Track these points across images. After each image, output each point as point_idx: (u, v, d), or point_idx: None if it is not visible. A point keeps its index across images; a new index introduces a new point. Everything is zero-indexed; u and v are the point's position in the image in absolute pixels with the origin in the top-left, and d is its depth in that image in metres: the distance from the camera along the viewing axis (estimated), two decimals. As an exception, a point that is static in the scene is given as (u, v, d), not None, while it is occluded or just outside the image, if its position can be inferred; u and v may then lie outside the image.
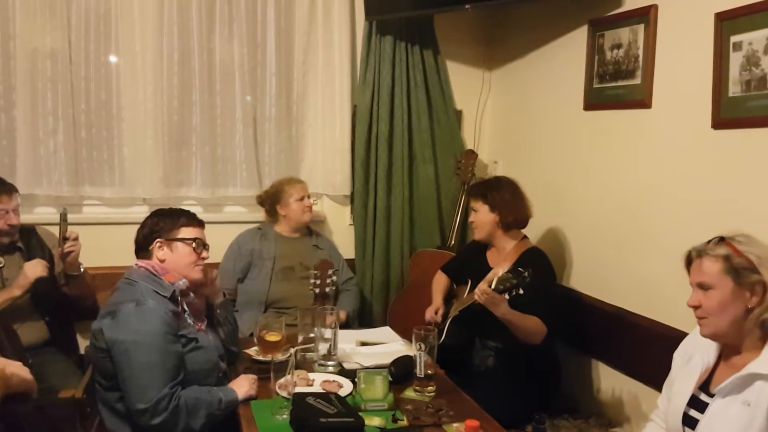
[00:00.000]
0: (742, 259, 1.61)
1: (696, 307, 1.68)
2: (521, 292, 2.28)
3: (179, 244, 2.15)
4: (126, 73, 3.24)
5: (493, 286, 2.30)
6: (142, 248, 2.17)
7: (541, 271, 2.53)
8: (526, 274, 2.27)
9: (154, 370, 1.92)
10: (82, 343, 2.96)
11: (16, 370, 1.61)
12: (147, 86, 3.24)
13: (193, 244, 2.17)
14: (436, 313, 2.87)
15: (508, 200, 2.71)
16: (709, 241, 1.68)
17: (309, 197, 3.23)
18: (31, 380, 1.66)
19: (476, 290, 2.37)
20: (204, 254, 2.21)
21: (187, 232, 2.17)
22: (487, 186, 2.78)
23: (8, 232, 2.66)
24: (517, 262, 2.61)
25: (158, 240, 2.14)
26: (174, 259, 2.14)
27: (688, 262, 1.71)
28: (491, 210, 2.70)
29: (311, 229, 3.33)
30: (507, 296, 2.33)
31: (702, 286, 1.66)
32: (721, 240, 1.65)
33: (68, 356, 2.79)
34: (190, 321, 2.14)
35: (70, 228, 2.68)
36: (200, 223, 2.24)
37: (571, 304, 2.98)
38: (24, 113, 3.09)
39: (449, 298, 2.99)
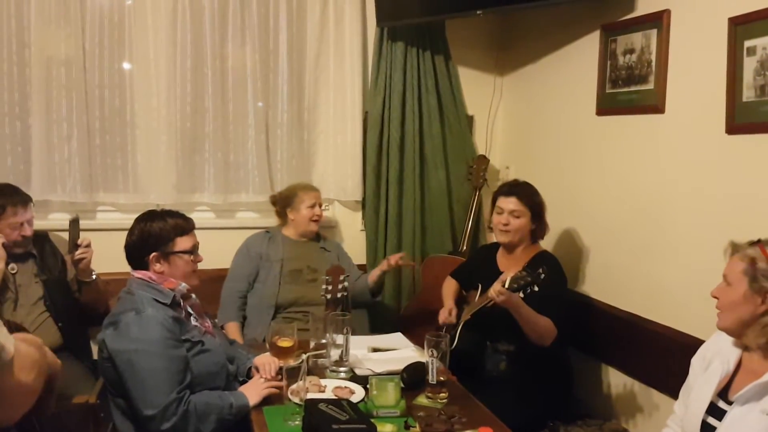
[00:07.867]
0: (766, 266, 1.61)
1: (716, 298, 1.72)
2: (536, 289, 2.28)
3: (176, 258, 2.12)
4: (139, 80, 3.27)
5: (507, 285, 2.29)
6: (135, 258, 2.12)
7: (552, 275, 2.53)
8: (540, 271, 2.27)
9: (159, 376, 1.92)
10: (96, 349, 2.97)
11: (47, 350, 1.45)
12: (160, 93, 3.26)
13: (191, 256, 2.14)
14: (450, 314, 2.82)
15: (544, 214, 2.75)
16: (750, 241, 1.70)
17: (320, 205, 3.24)
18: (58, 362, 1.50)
19: (491, 290, 2.36)
20: (199, 258, 2.19)
21: (182, 243, 2.12)
22: (532, 192, 2.76)
23: (22, 243, 2.68)
24: (528, 265, 2.60)
25: (154, 254, 2.09)
26: (172, 271, 2.11)
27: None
28: (532, 219, 2.71)
29: (319, 233, 3.34)
30: (521, 294, 2.33)
31: (726, 280, 1.70)
32: (757, 243, 1.67)
33: (82, 362, 2.81)
34: (195, 324, 2.13)
35: (82, 234, 2.69)
36: (191, 227, 2.16)
37: (583, 309, 2.96)
38: (39, 120, 3.12)
39: (459, 303, 2.97)
